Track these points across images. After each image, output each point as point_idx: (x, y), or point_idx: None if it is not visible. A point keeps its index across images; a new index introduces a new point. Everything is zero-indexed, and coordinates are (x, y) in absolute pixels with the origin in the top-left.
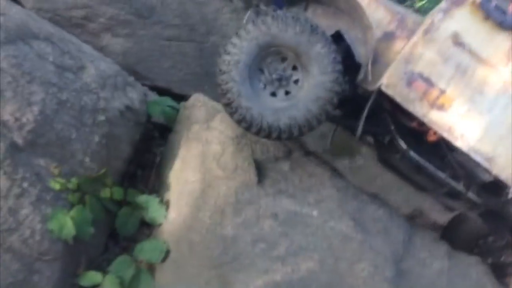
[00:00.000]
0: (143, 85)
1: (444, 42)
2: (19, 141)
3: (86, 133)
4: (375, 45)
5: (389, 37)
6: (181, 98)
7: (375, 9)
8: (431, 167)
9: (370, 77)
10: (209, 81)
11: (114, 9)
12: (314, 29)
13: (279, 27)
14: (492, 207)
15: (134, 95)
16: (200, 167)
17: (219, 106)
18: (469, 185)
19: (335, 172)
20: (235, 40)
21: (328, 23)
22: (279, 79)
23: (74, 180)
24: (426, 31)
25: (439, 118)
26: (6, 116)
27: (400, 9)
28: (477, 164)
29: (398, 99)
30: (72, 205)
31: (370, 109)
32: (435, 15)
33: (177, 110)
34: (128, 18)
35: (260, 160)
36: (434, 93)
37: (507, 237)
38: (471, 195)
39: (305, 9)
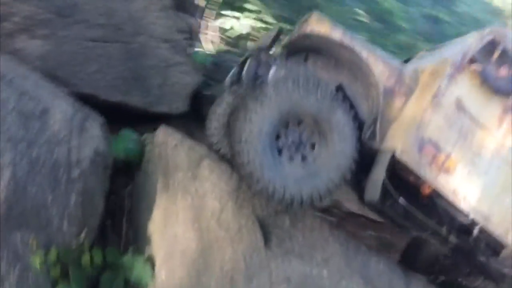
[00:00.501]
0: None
1: (449, 107)
2: None
3: (61, 194)
4: (380, 103)
5: (388, 93)
6: (108, 105)
7: (373, 64)
8: (419, 215)
9: (378, 137)
10: (138, 86)
11: (31, 6)
12: (335, 96)
13: (300, 94)
14: (463, 245)
15: (96, 130)
16: (194, 223)
17: (196, 146)
18: (451, 229)
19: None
20: (256, 107)
21: (328, 76)
22: (297, 145)
23: (53, 251)
24: (434, 97)
25: (445, 182)
26: None
27: (396, 62)
28: (459, 211)
29: (411, 165)
30: (55, 281)
31: (379, 169)
32: (441, 80)
33: (141, 145)
34: (47, 17)
35: (261, 216)
36: (442, 157)
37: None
38: (451, 237)
39: (305, 60)
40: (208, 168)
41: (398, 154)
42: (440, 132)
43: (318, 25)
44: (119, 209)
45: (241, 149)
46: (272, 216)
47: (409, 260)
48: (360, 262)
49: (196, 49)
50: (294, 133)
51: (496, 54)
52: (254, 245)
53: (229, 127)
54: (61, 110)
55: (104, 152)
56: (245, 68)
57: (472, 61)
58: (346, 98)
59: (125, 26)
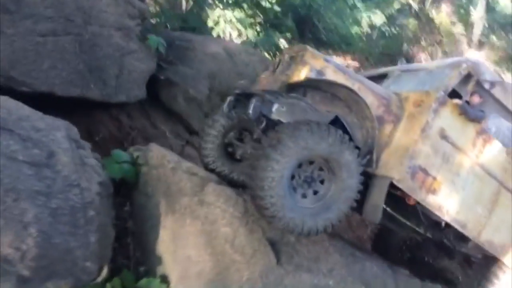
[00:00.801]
0: (21, 92)
1: (434, 137)
2: (25, 272)
3: (82, 236)
4: (374, 133)
5: (379, 121)
6: (66, 101)
7: (364, 94)
8: (402, 219)
9: (375, 164)
10: (95, 78)
11: None
12: (343, 139)
13: (315, 141)
14: (436, 237)
15: (93, 161)
16: (207, 247)
17: (194, 168)
18: (427, 228)
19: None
20: (276, 156)
21: (326, 109)
22: (309, 181)
23: None
24: (423, 130)
25: (432, 200)
26: (6, 250)
27: (382, 90)
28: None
29: (405, 189)
30: None
31: (379, 194)
32: (428, 115)
33: (135, 165)
34: None
35: (270, 237)
36: (429, 180)
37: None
38: (428, 234)
39: (304, 94)
40: (213, 193)
41: (395, 182)
42: (427, 159)
43: (313, 62)
44: (123, 231)
45: (264, 195)
46: (278, 235)
47: (380, 246)
48: (358, 269)
49: (149, 34)
50: (306, 172)
51: (470, 86)
52: (268, 265)
53: (224, 149)
54: (64, 149)
55: (105, 182)
56: (251, 107)
57: (451, 94)
58: (343, 128)
59: (75, 17)
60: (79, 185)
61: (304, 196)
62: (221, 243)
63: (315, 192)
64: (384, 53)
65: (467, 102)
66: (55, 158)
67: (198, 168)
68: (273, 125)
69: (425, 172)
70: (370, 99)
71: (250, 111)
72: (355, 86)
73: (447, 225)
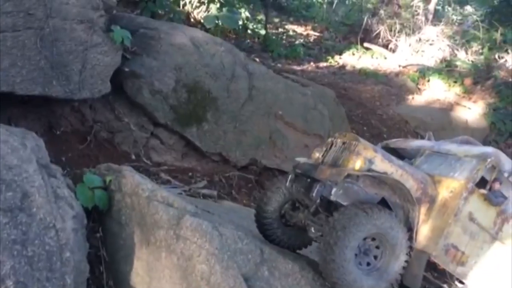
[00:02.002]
0: None
1: (464, 219)
2: None
3: (58, 280)
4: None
5: (417, 201)
6: (28, 99)
7: (406, 180)
8: (432, 278)
9: (414, 240)
10: (57, 75)
11: None
12: (399, 224)
13: (381, 221)
14: None
15: (65, 191)
16: (182, 282)
17: (170, 197)
18: (452, 285)
19: (299, 260)
20: (349, 240)
21: (374, 191)
22: (368, 254)
23: None
24: (455, 215)
25: (460, 271)
26: None
27: (420, 173)
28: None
29: (440, 263)
30: None
31: (419, 266)
32: (459, 202)
33: (107, 191)
34: None
35: (244, 272)
36: (459, 255)
37: None
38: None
39: (357, 179)
40: (189, 227)
41: (432, 257)
42: (458, 237)
43: (365, 153)
44: (95, 258)
45: (338, 272)
46: (252, 269)
47: None
48: None
49: (113, 26)
50: (364, 246)
51: (493, 175)
52: None
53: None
54: (38, 186)
55: (79, 214)
56: (315, 192)
57: (478, 184)
58: (388, 207)
59: (35, 11)
60: (54, 227)
61: (360, 264)
62: (197, 280)
63: (368, 264)
64: (343, 23)
65: (490, 188)
66: (29, 199)
67: (173, 196)
68: (327, 202)
69: (456, 248)
70: (410, 183)
71: (314, 195)
72: (398, 173)
73: None
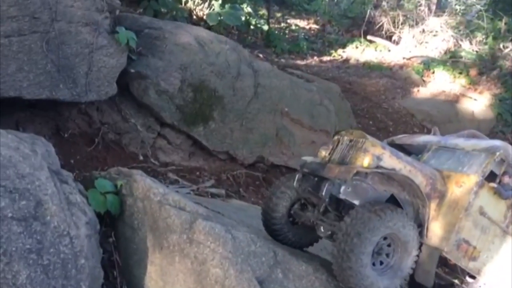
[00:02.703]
0: None
1: (475, 214)
2: None
3: (73, 287)
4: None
5: (427, 197)
6: (36, 103)
7: (415, 176)
8: (443, 274)
9: (425, 236)
10: (64, 78)
11: None
12: (410, 221)
13: (393, 222)
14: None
15: (77, 197)
16: (197, 286)
17: (182, 201)
18: (463, 281)
19: (313, 262)
20: (365, 246)
21: (383, 188)
22: (379, 253)
23: None
24: (466, 209)
25: (472, 266)
26: None
27: (428, 169)
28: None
29: (452, 258)
30: None
31: (431, 262)
32: (470, 196)
33: (119, 195)
34: None
35: (259, 275)
36: (470, 249)
37: None
38: (464, 286)
39: (365, 176)
40: (202, 231)
41: (444, 253)
42: (469, 232)
43: (373, 150)
44: (109, 263)
45: (355, 273)
46: (266, 272)
47: None
48: None
49: (118, 27)
50: (377, 246)
51: (503, 169)
52: None
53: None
54: (50, 194)
55: (92, 219)
56: (324, 190)
57: (488, 178)
58: (398, 204)
59: (40, 14)
60: (68, 234)
61: (381, 263)
62: (211, 284)
63: (381, 262)
64: (346, 16)
65: (499, 181)
66: (43, 207)
67: (185, 200)
68: (336, 200)
69: (468, 243)
70: (419, 179)
71: (323, 193)
72: (407, 169)
73: None
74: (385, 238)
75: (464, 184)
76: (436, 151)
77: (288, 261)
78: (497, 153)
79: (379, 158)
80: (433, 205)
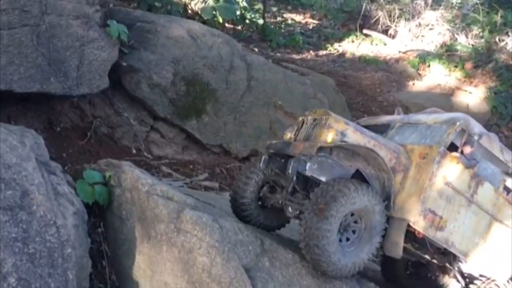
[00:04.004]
0: None
1: (439, 184)
2: None
3: (60, 275)
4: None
5: (392, 171)
6: (27, 97)
7: (379, 150)
8: (412, 249)
9: (392, 208)
10: (55, 71)
11: None
12: (375, 196)
13: (359, 197)
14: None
15: (65, 188)
16: (184, 275)
17: (169, 191)
18: (433, 255)
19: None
20: (331, 225)
21: (349, 163)
22: (347, 230)
23: None
24: (430, 179)
25: (440, 236)
26: None
27: (392, 143)
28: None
29: (419, 229)
30: None
31: (399, 234)
32: (433, 166)
33: (106, 185)
34: None
35: (245, 263)
36: (437, 219)
37: None
38: (434, 260)
39: (330, 152)
40: (190, 221)
41: (411, 223)
42: (435, 202)
43: (336, 125)
44: (98, 253)
45: (321, 250)
46: (253, 260)
47: (389, 264)
48: None
49: (110, 21)
50: (344, 223)
51: (464, 139)
52: None
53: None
54: (37, 184)
55: (80, 210)
56: (290, 168)
57: (450, 149)
58: (363, 179)
59: (30, 7)
60: (55, 223)
61: (347, 240)
62: (198, 272)
63: (348, 239)
64: (342, 10)
65: (461, 151)
66: (29, 197)
67: (173, 190)
68: (303, 180)
69: (434, 213)
70: (383, 153)
71: (290, 171)
72: (371, 144)
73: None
74: (352, 214)
75: (427, 155)
76: (399, 128)
77: (275, 249)
78: (458, 123)
79: (343, 134)
80: (398, 178)
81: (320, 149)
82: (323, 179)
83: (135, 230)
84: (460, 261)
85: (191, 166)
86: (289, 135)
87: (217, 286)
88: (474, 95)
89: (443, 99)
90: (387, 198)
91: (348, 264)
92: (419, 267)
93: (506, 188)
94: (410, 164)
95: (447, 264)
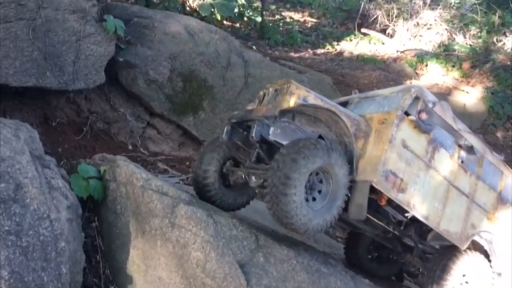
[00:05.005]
0: None
1: (398, 146)
2: None
3: (53, 269)
4: (352, 146)
5: (353, 137)
6: (23, 91)
7: (340, 113)
8: (375, 220)
9: (355, 172)
10: (51, 66)
11: None
12: (340, 153)
13: (320, 155)
14: (401, 235)
15: (59, 182)
16: (178, 270)
17: (165, 186)
18: (395, 226)
19: (295, 246)
20: (296, 182)
21: (311, 129)
22: (312, 189)
23: None
24: (390, 141)
25: (402, 198)
26: None
27: (351, 113)
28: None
29: (382, 189)
30: None
31: (362, 196)
32: (392, 129)
33: (102, 180)
34: None
35: (240, 259)
36: (398, 181)
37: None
38: (395, 231)
39: (293, 118)
40: (184, 216)
41: (374, 184)
42: (395, 164)
43: (298, 92)
44: (92, 248)
45: (291, 216)
46: (248, 256)
47: (351, 249)
48: (323, 285)
49: (106, 15)
50: (309, 182)
51: (419, 106)
52: None
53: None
54: (31, 177)
55: (74, 204)
56: (253, 131)
57: (407, 112)
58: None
59: (26, 1)
60: (48, 217)
61: (314, 199)
62: (193, 267)
63: (314, 199)
64: (341, 9)
65: (418, 117)
66: (23, 190)
67: (168, 185)
68: (267, 149)
69: (395, 175)
70: (345, 119)
71: (253, 135)
72: (333, 109)
73: (407, 224)
74: (316, 174)
75: (385, 120)
76: (358, 103)
77: (270, 245)
78: (413, 90)
79: (304, 100)
80: (359, 144)
81: (283, 114)
82: (285, 143)
83: (129, 224)
84: (422, 237)
85: (187, 163)
86: (251, 108)
87: (211, 281)
88: (471, 95)
89: (440, 99)
90: (349, 163)
91: (319, 222)
92: (381, 250)
93: (460, 157)
94: (370, 130)
95: (408, 240)
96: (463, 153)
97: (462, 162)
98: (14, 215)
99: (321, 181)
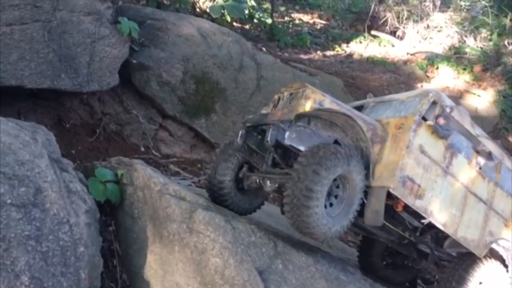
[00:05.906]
0: None
1: (416, 152)
2: None
3: (72, 274)
4: (369, 151)
5: (370, 141)
6: (37, 93)
7: (356, 118)
8: (391, 226)
9: (371, 178)
10: (65, 68)
11: None
12: (358, 160)
13: (341, 164)
14: (417, 241)
15: (77, 185)
16: (196, 276)
17: (182, 191)
18: (411, 233)
19: (313, 253)
20: (318, 193)
21: (326, 134)
22: (329, 195)
23: None
24: (407, 147)
25: (419, 204)
26: None
27: (367, 117)
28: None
29: (399, 195)
30: None
31: (379, 202)
32: (409, 134)
33: (118, 183)
34: None
35: (258, 266)
36: (415, 187)
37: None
38: (412, 238)
39: (308, 123)
40: (202, 221)
41: (391, 190)
42: (413, 170)
43: (314, 96)
44: (109, 252)
45: (313, 226)
46: (266, 263)
47: (365, 255)
48: None
49: (121, 18)
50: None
51: (437, 111)
52: None
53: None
54: (50, 181)
55: (92, 208)
56: (269, 136)
57: (424, 117)
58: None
59: (42, 3)
60: (68, 222)
61: (331, 205)
62: (211, 273)
63: (331, 204)
64: (350, 11)
65: (436, 123)
66: (43, 194)
67: (185, 190)
68: (283, 152)
69: (412, 180)
70: (361, 124)
71: (269, 139)
72: (349, 113)
73: (423, 231)
74: (334, 180)
75: (403, 125)
76: (373, 107)
77: (288, 252)
78: (430, 95)
79: (320, 104)
80: (376, 150)
81: (298, 118)
82: (302, 148)
83: (146, 229)
84: (438, 244)
85: (199, 165)
86: (265, 112)
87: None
88: (483, 98)
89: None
90: (366, 168)
91: (337, 229)
92: (395, 256)
93: (478, 163)
94: (386, 135)
95: (424, 246)
96: (481, 159)
97: (480, 168)
98: (34, 219)
99: (337, 186)
